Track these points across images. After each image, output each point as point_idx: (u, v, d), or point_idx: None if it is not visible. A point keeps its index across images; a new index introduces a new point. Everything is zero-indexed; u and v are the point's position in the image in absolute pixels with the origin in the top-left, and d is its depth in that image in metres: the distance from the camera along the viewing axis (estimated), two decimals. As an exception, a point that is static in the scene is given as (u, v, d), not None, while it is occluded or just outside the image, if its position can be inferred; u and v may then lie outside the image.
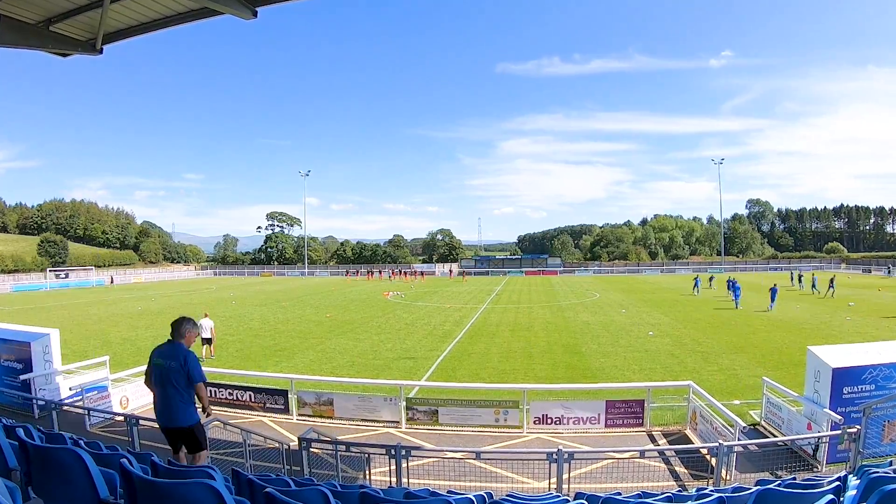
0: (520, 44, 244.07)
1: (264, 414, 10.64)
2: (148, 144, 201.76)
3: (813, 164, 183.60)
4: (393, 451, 6.08)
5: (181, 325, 5.31)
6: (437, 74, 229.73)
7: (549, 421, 9.62)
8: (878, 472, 4.01)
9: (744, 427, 7.58)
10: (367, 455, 6.87)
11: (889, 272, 54.99)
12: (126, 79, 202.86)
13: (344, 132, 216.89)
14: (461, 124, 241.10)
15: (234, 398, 10.93)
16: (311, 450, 6.64)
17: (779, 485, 4.27)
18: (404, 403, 9.95)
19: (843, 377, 7.80)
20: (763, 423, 9.60)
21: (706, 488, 5.43)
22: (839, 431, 6.85)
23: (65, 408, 9.64)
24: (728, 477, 6.57)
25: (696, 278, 39.94)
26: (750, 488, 4.33)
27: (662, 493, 4.62)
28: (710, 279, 44.57)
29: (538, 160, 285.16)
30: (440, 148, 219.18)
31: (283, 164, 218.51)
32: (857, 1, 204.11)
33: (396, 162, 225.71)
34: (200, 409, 5.39)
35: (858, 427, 6.60)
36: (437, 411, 9.89)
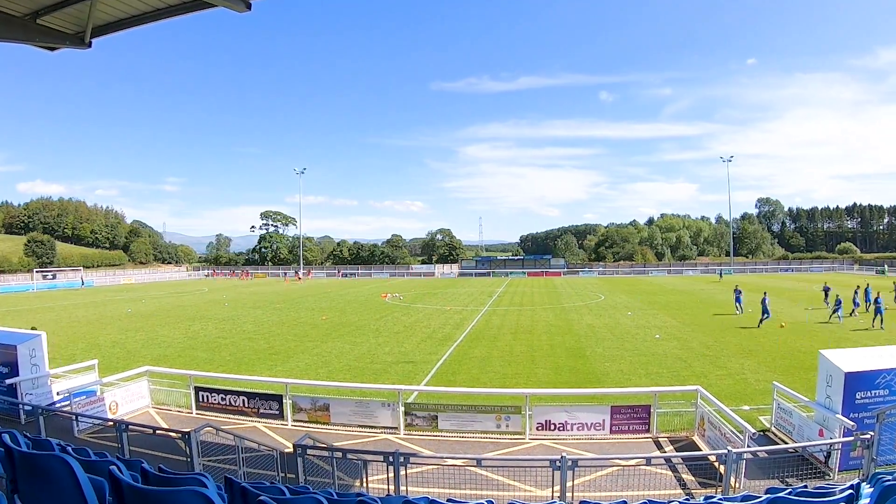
0: (449, 63, 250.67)
1: (258, 420, 10.45)
2: (127, 148, 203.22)
3: (787, 166, 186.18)
4: (391, 458, 5.98)
5: None
6: (378, 92, 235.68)
7: (552, 427, 9.46)
8: (891, 480, 3.93)
9: (753, 433, 7.45)
10: (364, 462, 6.77)
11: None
12: (110, 78, 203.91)
13: (319, 137, 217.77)
14: (419, 132, 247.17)
15: (227, 403, 10.71)
16: (307, 456, 6.53)
17: (789, 493, 4.23)
18: (403, 409, 9.82)
19: (856, 382, 7.64)
20: (773, 429, 9.46)
21: (714, 496, 5.36)
22: (852, 438, 6.77)
23: (52, 413, 9.45)
24: (737, 485, 6.47)
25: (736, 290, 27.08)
26: (760, 496, 4.36)
27: (669, 502, 4.56)
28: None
29: (505, 164, 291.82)
30: (406, 153, 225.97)
31: (264, 168, 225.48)
32: (766, 13, 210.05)
33: (377, 165, 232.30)
34: None
35: (872, 433, 6.50)
36: (436, 417, 9.74)
